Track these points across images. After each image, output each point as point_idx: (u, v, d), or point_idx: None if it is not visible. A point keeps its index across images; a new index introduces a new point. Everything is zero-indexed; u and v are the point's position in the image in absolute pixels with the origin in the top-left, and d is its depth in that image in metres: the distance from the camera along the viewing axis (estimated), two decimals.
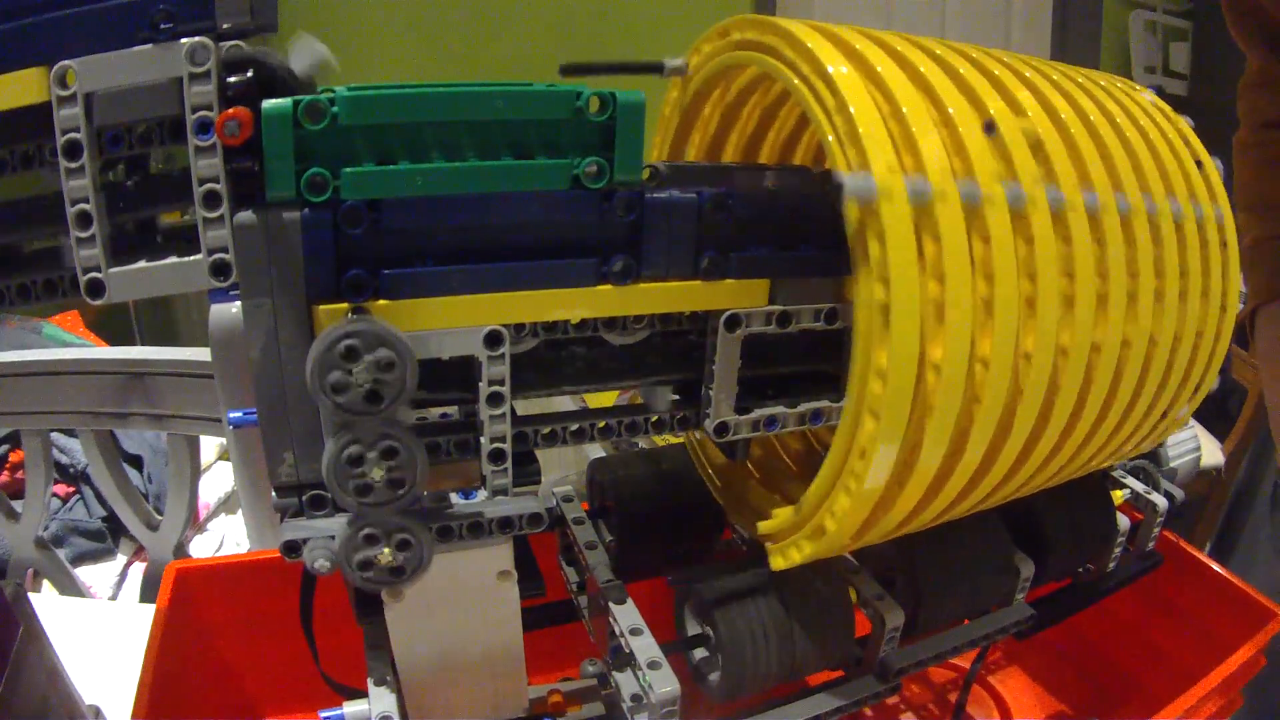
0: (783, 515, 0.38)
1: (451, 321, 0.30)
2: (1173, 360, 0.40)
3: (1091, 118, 0.38)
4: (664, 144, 0.44)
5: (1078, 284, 0.35)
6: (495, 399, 0.32)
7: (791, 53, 0.34)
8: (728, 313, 0.34)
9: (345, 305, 0.29)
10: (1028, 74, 0.38)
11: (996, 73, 0.36)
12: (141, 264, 0.29)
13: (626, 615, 0.38)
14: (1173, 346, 0.40)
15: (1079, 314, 0.35)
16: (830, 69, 0.32)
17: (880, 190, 0.31)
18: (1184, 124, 0.45)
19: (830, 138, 0.32)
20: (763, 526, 0.38)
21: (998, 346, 0.33)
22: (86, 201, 0.28)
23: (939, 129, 0.33)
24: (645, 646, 0.37)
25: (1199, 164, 0.43)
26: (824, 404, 0.37)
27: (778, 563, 0.37)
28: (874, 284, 0.31)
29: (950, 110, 0.33)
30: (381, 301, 0.29)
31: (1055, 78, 0.39)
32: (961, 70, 0.35)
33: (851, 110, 0.31)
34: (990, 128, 0.34)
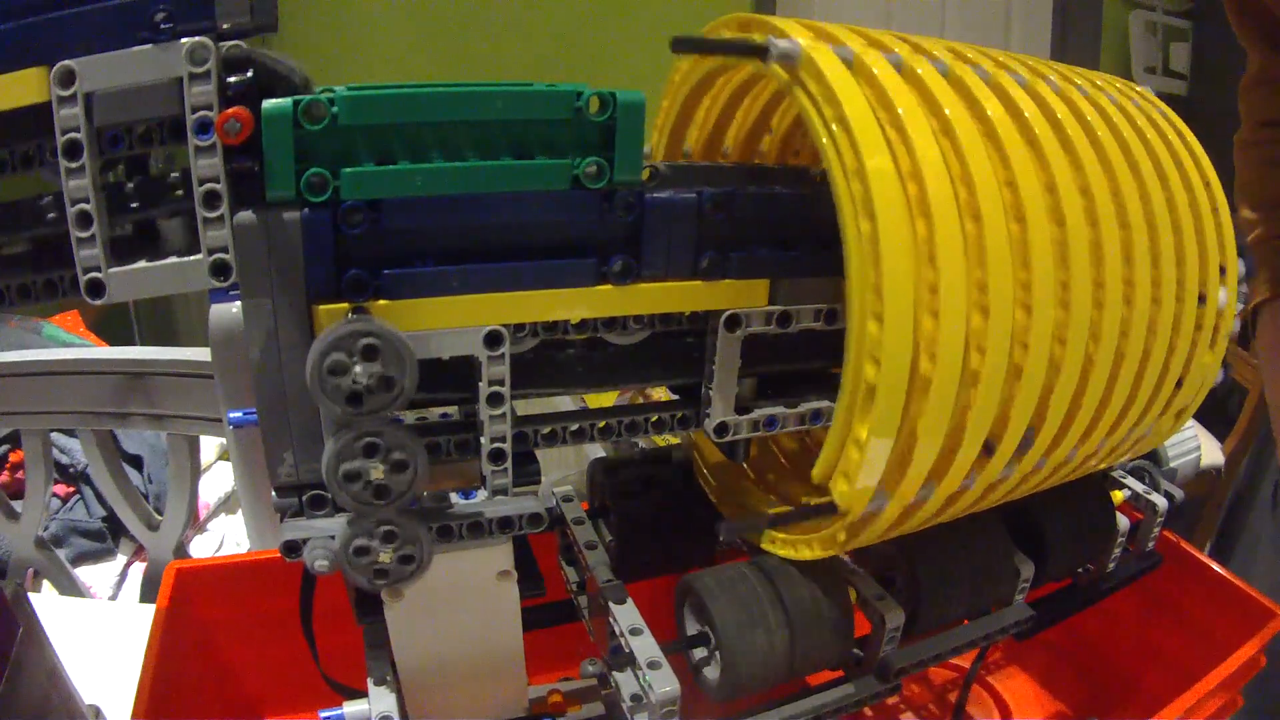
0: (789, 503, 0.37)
1: (451, 321, 0.30)
2: (1180, 236, 0.39)
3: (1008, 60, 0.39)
4: None
5: (1036, 128, 0.34)
6: (495, 399, 0.32)
7: (736, 30, 0.35)
8: (728, 313, 0.34)
9: (345, 305, 0.29)
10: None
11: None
12: (141, 264, 0.29)
13: (626, 615, 0.38)
14: (1174, 234, 0.38)
15: (1046, 152, 0.34)
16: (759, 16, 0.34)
17: (805, 47, 0.31)
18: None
19: (752, 34, 0.33)
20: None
21: (975, 172, 0.32)
22: (86, 201, 0.28)
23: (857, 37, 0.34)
24: (645, 646, 0.37)
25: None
26: (824, 404, 0.37)
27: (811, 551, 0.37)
28: (823, 107, 0.31)
29: (877, 38, 0.34)
30: (381, 301, 0.29)
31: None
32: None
33: (769, 21, 0.33)
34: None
